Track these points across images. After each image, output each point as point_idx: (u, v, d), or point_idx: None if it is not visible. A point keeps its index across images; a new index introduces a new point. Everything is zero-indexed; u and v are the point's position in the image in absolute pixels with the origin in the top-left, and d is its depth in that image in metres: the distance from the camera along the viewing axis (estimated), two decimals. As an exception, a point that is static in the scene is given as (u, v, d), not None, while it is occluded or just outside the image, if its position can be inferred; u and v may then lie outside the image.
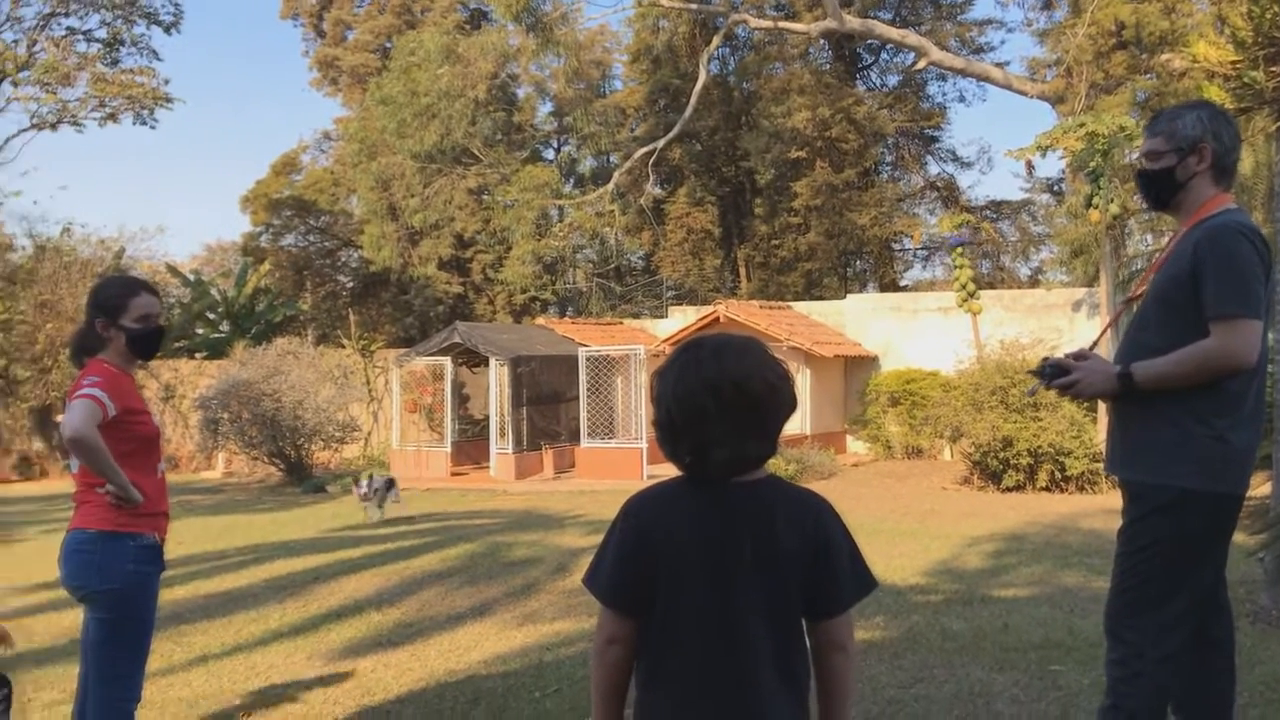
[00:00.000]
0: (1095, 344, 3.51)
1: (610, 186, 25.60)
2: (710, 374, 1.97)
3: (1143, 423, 3.09)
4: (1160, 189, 3.23)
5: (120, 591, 3.52)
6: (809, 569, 2.01)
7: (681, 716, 2.01)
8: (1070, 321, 18.06)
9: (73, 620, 4.22)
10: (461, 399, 20.23)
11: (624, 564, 2.04)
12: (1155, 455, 3.05)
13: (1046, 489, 13.56)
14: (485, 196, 29.39)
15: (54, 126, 23.71)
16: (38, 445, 23.05)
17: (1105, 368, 3.13)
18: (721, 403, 1.95)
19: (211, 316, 28.90)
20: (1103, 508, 11.25)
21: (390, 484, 12.37)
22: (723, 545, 2.00)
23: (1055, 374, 3.16)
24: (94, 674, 3.58)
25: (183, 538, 10.75)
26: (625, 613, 2.05)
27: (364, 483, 12.18)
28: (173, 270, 29.98)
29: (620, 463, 16.23)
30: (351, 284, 36.18)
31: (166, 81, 24.88)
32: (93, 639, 3.57)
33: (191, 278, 29.98)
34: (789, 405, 2.03)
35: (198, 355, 25.74)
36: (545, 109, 33.22)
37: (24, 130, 23.74)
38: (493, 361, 17.84)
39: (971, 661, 5.36)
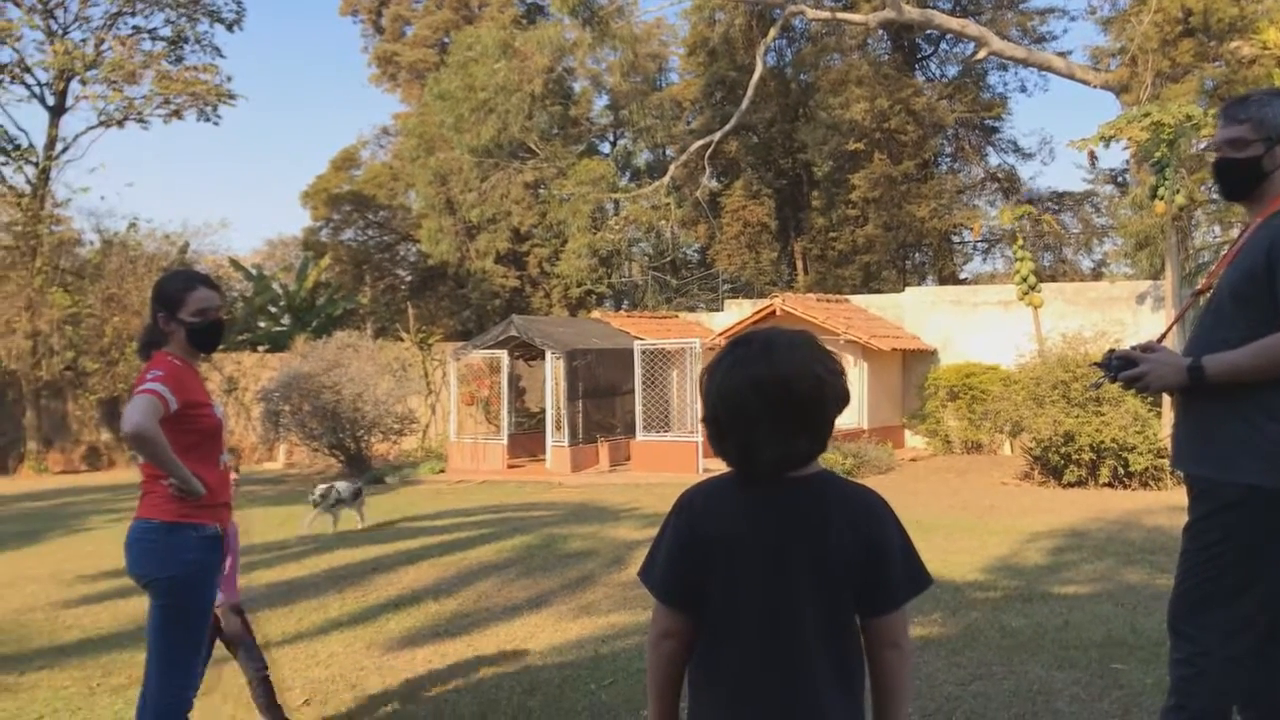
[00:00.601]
0: (1163, 336, 3.43)
1: (666, 180, 25.56)
2: (756, 372, 1.95)
3: (1211, 417, 3.01)
4: (1242, 179, 3.12)
5: (180, 579, 3.59)
6: (862, 566, 1.98)
7: (735, 711, 2.00)
8: (1134, 315, 17.73)
9: (139, 607, 4.31)
10: (518, 392, 20.35)
11: (677, 559, 2.05)
12: (1223, 450, 2.97)
13: (1109, 485, 13.33)
14: (541, 190, 29.50)
15: (120, 124, 24.17)
16: (105, 436, 23.60)
17: (1175, 360, 3.04)
18: (767, 402, 1.94)
19: (273, 310, 29.37)
20: (1167, 504, 11.05)
21: (358, 493, 11.54)
22: (775, 542, 1.98)
23: (1121, 366, 3.07)
24: (154, 660, 3.66)
25: (245, 528, 10.89)
26: (678, 607, 2.05)
27: (318, 490, 11.26)
28: (235, 264, 30.50)
29: (675, 456, 16.22)
30: (410, 278, 36.53)
31: (229, 78, 25.29)
32: (154, 626, 3.65)
33: (254, 272, 30.48)
34: (839, 401, 2.01)
35: (260, 348, 26.16)
36: (601, 102, 33.28)
37: (92, 128, 24.24)
38: (548, 354, 17.92)
39: (1031, 659, 5.29)
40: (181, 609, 3.62)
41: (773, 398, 1.94)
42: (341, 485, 11.44)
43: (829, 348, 2.09)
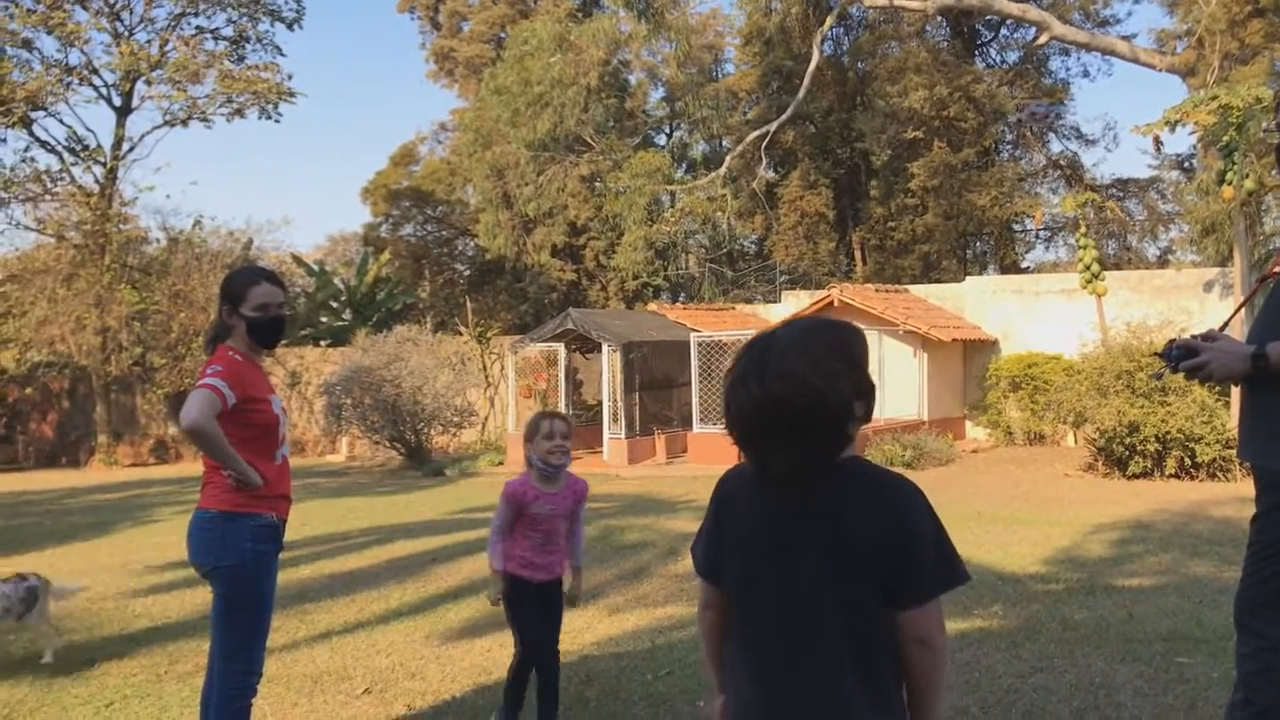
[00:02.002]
0: (1226, 324, 3.35)
1: (722, 171, 25.49)
2: (752, 392, 1.95)
3: (1277, 407, 2.94)
4: None
5: (238, 568, 3.67)
6: (889, 557, 1.92)
7: (750, 692, 2.01)
8: (1201, 303, 17.36)
9: (205, 597, 4.40)
10: (575, 384, 20.44)
11: (710, 535, 2.13)
12: None
13: (1175, 476, 13.07)
14: (597, 183, 29.56)
15: (185, 123, 24.58)
16: (172, 430, 24.08)
17: (1237, 348, 2.95)
18: (768, 419, 1.94)
19: (334, 305, 29.75)
20: (1235, 495, 10.82)
21: (31, 597, 5.87)
22: (790, 540, 1.98)
23: (1183, 356, 2.98)
24: (217, 648, 3.75)
25: (307, 519, 11.11)
26: (713, 581, 2.12)
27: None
28: (297, 260, 30.94)
29: (732, 448, 15.97)
30: (468, 272, 36.82)
31: (290, 76, 25.70)
32: (216, 614, 3.74)
33: (315, 268, 30.90)
34: (849, 402, 1.94)
35: (322, 343, 26.54)
36: (657, 94, 33.25)
37: (157, 127, 24.69)
38: (605, 347, 17.97)
39: (1093, 652, 5.22)
40: (241, 596, 3.70)
41: (772, 415, 1.93)
42: (5, 588, 5.88)
43: (859, 328, 2.05)
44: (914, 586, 1.93)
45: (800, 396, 1.90)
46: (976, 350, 19.45)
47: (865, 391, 1.97)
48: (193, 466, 20.23)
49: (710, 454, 16.54)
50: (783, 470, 1.96)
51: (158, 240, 25.46)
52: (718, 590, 2.11)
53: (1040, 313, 19.07)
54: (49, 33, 23.05)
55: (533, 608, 4.24)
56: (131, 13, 24.35)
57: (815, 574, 1.94)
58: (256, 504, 3.68)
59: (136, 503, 14.69)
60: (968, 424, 19.49)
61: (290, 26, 25.77)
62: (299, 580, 7.89)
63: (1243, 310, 3.77)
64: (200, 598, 6.97)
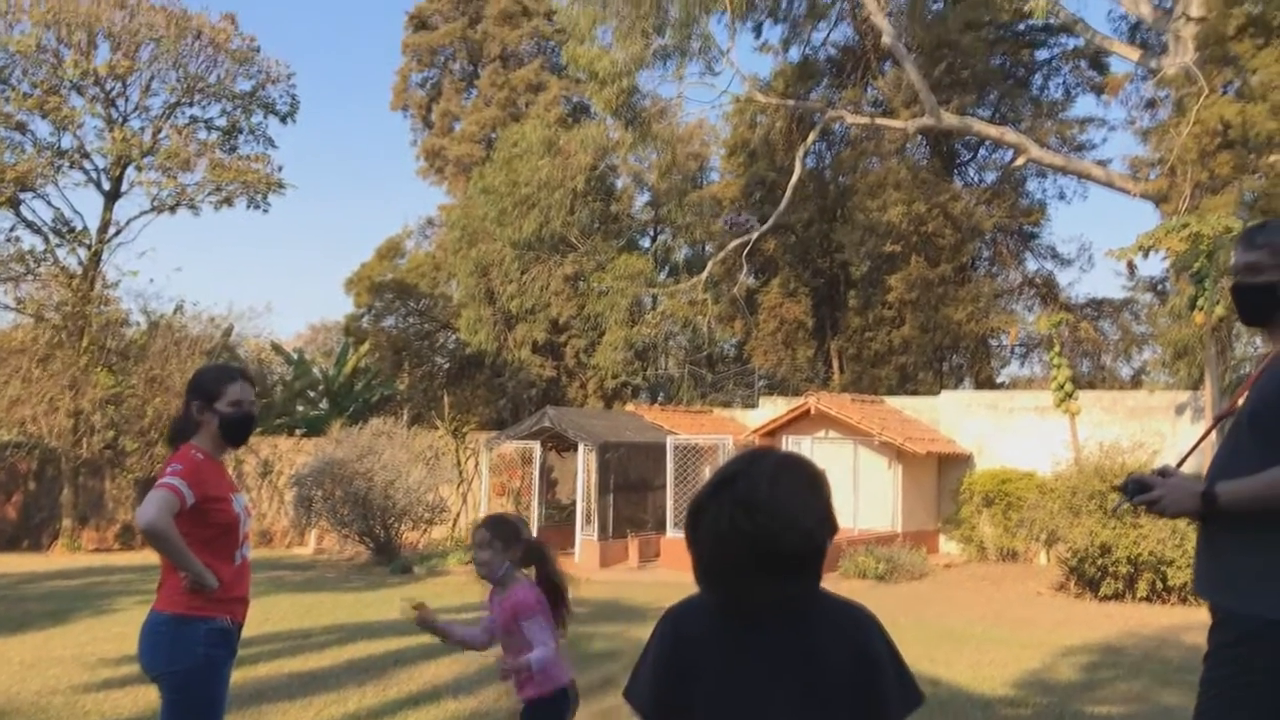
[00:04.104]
0: (1185, 459, 3.41)
1: (704, 276, 25.81)
2: (743, 528, 1.91)
3: (1229, 546, 2.99)
4: (1257, 304, 3.14)
5: (189, 674, 3.60)
6: (854, 686, 1.95)
7: None
8: (1173, 426, 17.52)
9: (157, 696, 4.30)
10: (549, 483, 20.35)
11: (662, 677, 2.03)
12: (1240, 581, 2.93)
13: (1146, 599, 13.04)
14: (581, 283, 29.82)
15: (173, 210, 24.74)
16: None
17: (1189, 485, 3.03)
18: (758, 557, 1.91)
19: (312, 394, 29.64)
20: (1206, 622, 10.74)
21: None
22: (762, 673, 1.96)
23: (1138, 490, 3.07)
24: (164, 754, 3.66)
25: (269, 614, 10.92)
26: None
27: None
28: (276, 348, 30.91)
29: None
30: (447, 365, 36.82)
31: (280, 168, 25.88)
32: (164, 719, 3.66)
33: (295, 356, 30.85)
34: (826, 543, 1.98)
35: (297, 432, 26.35)
36: (642, 199, 33.75)
37: (144, 213, 24.80)
38: (581, 447, 17.94)
39: (1059, 783, 5.15)
40: (191, 702, 3.63)
41: (761, 552, 1.91)
42: None
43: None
44: (881, 712, 1.96)
45: (792, 534, 1.92)
46: (951, 464, 19.50)
47: (835, 528, 2.02)
48: (157, 555, 19.88)
49: (683, 560, 16.21)
50: (763, 607, 1.96)
51: (138, 324, 25.43)
52: None
53: (1014, 429, 19.20)
54: (43, 117, 23.33)
55: None
56: (127, 100, 24.69)
57: (788, 704, 1.94)
58: (211, 607, 3.63)
59: (97, 591, 14.40)
60: (941, 538, 19.45)
61: (284, 120, 26.15)
62: (256, 678, 7.72)
63: (1213, 439, 3.83)
64: (156, 695, 6.81)
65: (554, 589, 4.14)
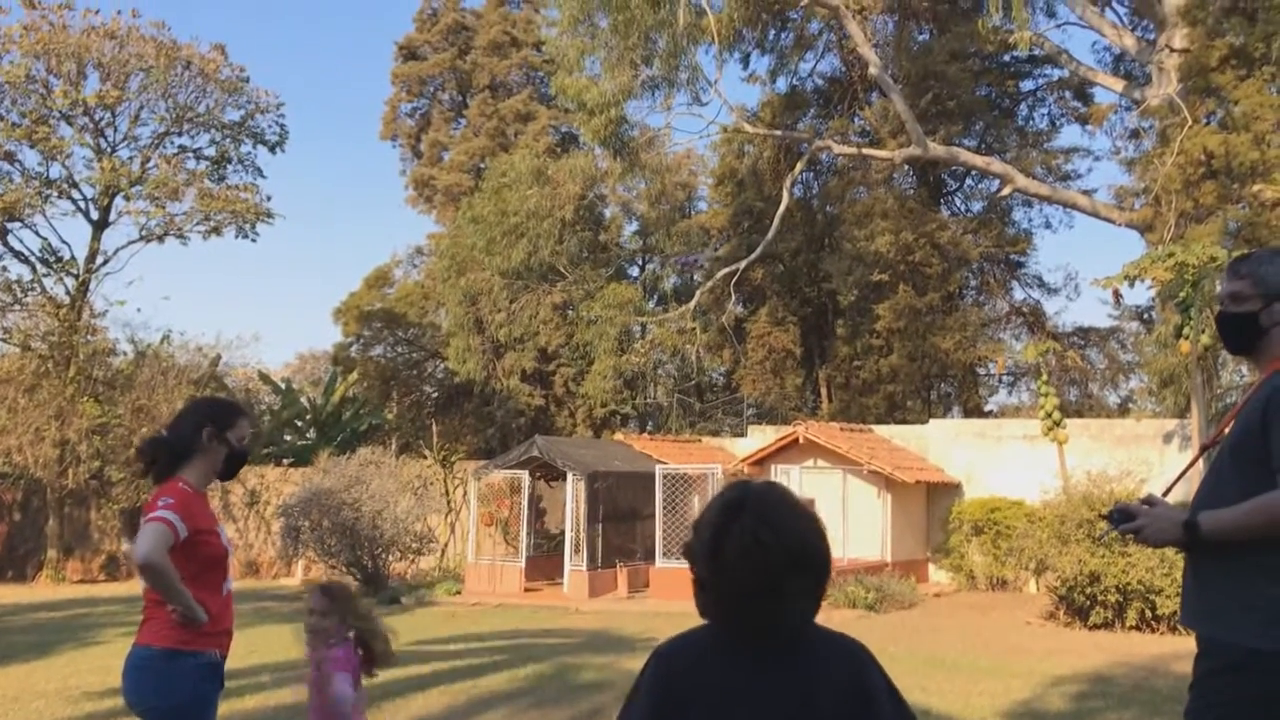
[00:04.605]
0: (1170, 489, 3.42)
1: (692, 305, 25.87)
2: (772, 545, 1.92)
3: (1212, 575, 3.00)
4: (1240, 333, 3.18)
5: (179, 709, 3.58)
6: (851, 717, 1.96)
7: None
8: (1160, 454, 17.56)
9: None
10: (538, 513, 20.26)
11: (656, 712, 2.02)
12: (1223, 610, 2.94)
13: (1136, 628, 13.03)
14: (569, 312, 29.86)
15: (161, 239, 24.72)
16: (125, 546, 23.56)
17: (1172, 515, 3.04)
18: (774, 573, 1.92)
19: (299, 424, 29.53)
20: (1195, 651, 10.76)
21: None
22: (759, 703, 1.96)
23: (1122, 519, 3.10)
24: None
25: (256, 646, 10.83)
26: None
27: None
28: (264, 378, 30.82)
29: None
30: (436, 394, 36.76)
31: (269, 198, 25.89)
32: (152, 757, 3.62)
33: (282, 385, 30.77)
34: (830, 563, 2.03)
35: (284, 462, 26.23)
36: (630, 228, 33.87)
37: (132, 242, 24.76)
38: (570, 476, 17.89)
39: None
40: (177, 739, 3.60)
41: (792, 564, 1.93)
42: None
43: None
44: None
45: (819, 542, 1.98)
46: (940, 493, 19.50)
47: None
48: (140, 586, 19.74)
49: (672, 590, 16.33)
50: (771, 628, 1.96)
51: (125, 353, 25.35)
52: None
53: (1003, 457, 19.22)
54: (32, 146, 23.32)
55: None
56: (115, 130, 24.72)
57: None
58: (200, 640, 3.61)
59: (81, 622, 14.29)
60: (931, 567, 19.42)
61: (273, 150, 26.19)
62: (243, 711, 7.66)
63: (1196, 469, 3.85)
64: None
65: (368, 649, 4.36)
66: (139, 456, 3.88)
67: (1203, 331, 15.22)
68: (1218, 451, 3.14)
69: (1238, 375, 18.91)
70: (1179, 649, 11.22)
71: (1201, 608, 3.04)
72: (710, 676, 1.99)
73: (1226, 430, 3.16)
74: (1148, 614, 13.02)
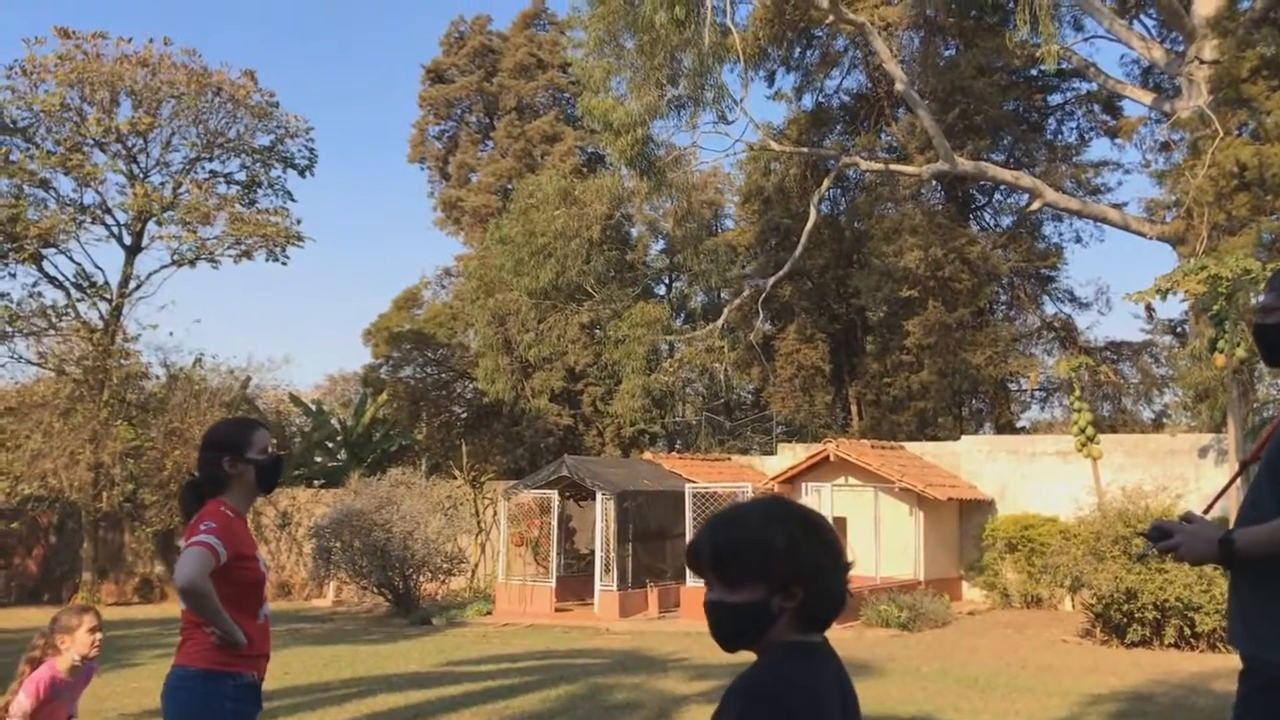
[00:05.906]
0: (1210, 506, 3.38)
1: (720, 323, 25.83)
2: (828, 535, 2.06)
3: (1251, 593, 2.96)
4: (1272, 345, 3.14)
5: None
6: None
7: None
8: (1196, 469, 17.34)
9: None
10: (568, 533, 20.25)
11: None
12: (1263, 628, 2.90)
13: (1174, 645, 12.84)
14: (597, 331, 29.90)
15: (193, 263, 24.97)
16: (159, 569, 23.76)
17: (1209, 533, 2.99)
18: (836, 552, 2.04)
19: (330, 445, 29.70)
20: (1237, 668, 10.59)
21: None
22: (849, 702, 2.06)
23: (1160, 536, 3.05)
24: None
25: (289, 667, 10.87)
26: None
27: None
28: (295, 400, 31.03)
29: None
30: (465, 415, 36.84)
31: (299, 221, 26.10)
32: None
33: (313, 407, 30.95)
34: None
35: (315, 483, 26.36)
36: (657, 247, 33.88)
37: (164, 267, 25.01)
38: (599, 495, 17.87)
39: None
40: (216, 759, 3.61)
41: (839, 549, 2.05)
42: None
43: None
44: None
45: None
46: (972, 510, 19.33)
47: None
48: (176, 608, 19.86)
49: (703, 610, 16.24)
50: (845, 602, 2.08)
51: (157, 376, 25.58)
52: None
53: (1036, 474, 19.04)
54: (66, 173, 23.65)
55: None
56: (148, 156, 25.02)
57: None
58: (238, 663, 3.62)
59: (116, 644, 14.36)
60: (964, 584, 19.24)
61: (302, 173, 26.44)
62: (276, 734, 7.68)
63: (1237, 486, 3.80)
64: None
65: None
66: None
67: (1238, 345, 15.03)
68: (1257, 468, 3.10)
69: (1275, 389, 18.65)
70: (1219, 667, 11.06)
71: (1240, 626, 2.99)
72: (829, 684, 2.02)
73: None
74: (1186, 631, 12.83)
